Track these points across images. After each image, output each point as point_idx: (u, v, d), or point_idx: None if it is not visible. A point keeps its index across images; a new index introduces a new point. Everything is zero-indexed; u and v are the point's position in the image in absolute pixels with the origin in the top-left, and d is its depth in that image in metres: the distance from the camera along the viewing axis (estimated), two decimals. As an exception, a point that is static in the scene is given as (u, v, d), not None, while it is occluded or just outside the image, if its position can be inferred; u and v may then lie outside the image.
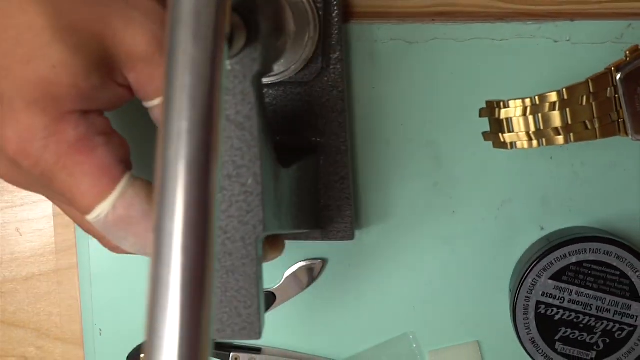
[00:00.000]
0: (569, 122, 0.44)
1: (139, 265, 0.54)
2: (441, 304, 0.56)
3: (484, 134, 0.47)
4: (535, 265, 0.53)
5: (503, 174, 0.54)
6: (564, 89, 0.43)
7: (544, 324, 0.54)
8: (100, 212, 0.39)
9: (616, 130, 0.44)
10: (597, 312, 0.53)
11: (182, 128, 0.28)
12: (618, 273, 0.53)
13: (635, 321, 0.53)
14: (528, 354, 0.54)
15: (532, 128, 0.44)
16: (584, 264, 0.53)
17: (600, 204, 0.55)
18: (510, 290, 0.55)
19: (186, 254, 0.27)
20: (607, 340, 0.54)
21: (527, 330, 0.54)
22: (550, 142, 0.44)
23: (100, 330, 0.56)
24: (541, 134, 0.44)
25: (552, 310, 0.54)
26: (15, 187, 0.52)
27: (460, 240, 0.55)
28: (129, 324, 0.56)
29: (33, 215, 0.55)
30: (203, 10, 0.30)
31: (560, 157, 0.53)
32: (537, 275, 0.53)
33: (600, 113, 0.44)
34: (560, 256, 0.53)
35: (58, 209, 0.53)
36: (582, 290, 0.53)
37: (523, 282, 0.53)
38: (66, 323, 0.57)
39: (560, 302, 0.53)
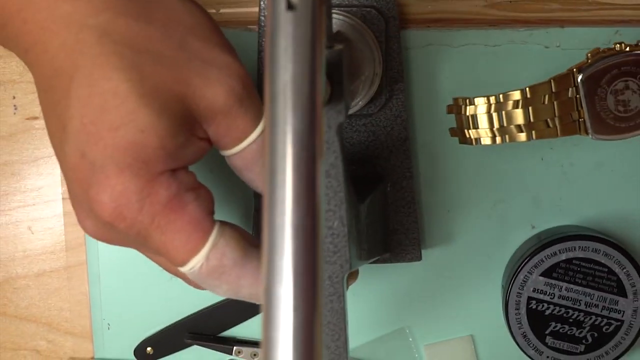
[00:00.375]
0: (531, 119, 0.44)
1: (145, 262, 0.55)
2: (436, 299, 0.56)
3: (450, 129, 0.47)
4: (526, 263, 0.53)
5: (496, 174, 0.54)
6: (527, 88, 0.44)
7: (535, 319, 0.54)
8: (194, 264, 0.40)
9: (577, 129, 0.45)
10: (586, 308, 0.54)
11: (287, 197, 0.29)
12: (606, 270, 0.53)
13: (622, 316, 0.54)
14: (519, 347, 0.55)
15: (496, 125, 0.44)
16: (574, 261, 0.53)
17: (588, 204, 0.55)
18: (502, 286, 0.56)
19: (297, 321, 0.28)
20: (595, 334, 0.54)
21: (518, 325, 0.54)
22: (512, 139, 0.44)
23: (109, 324, 0.56)
24: (504, 130, 0.44)
25: (543, 306, 0.54)
26: (27, 188, 0.54)
27: (455, 238, 0.56)
28: (135, 319, 0.56)
29: (44, 215, 0.56)
30: (300, 81, 0.31)
31: (550, 158, 0.54)
32: (528, 272, 0.53)
33: (561, 112, 0.44)
34: (551, 254, 0.53)
35: (68, 208, 0.54)
36: (572, 286, 0.54)
37: (515, 278, 0.54)
38: (76, 318, 0.57)
39: (550, 298, 0.54)
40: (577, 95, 0.44)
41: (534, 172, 0.54)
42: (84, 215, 0.41)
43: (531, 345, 0.55)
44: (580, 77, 0.44)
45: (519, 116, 0.44)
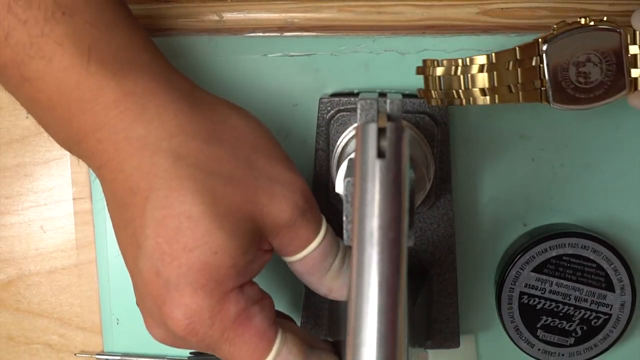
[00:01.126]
0: (495, 84, 0.44)
1: None
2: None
3: (419, 90, 0.47)
4: (518, 259, 0.54)
5: (489, 173, 0.55)
6: (493, 54, 0.44)
7: (526, 313, 0.55)
8: None
9: (538, 97, 0.44)
10: (576, 302, 0.54)
11: (372, 342, 0.32)
12: (594, 265, 0.54)
13: (610, 310, 0.54)
14: (512, 340, 0.55)
15: (462, 87, 0.44)
16: (564, 258, 0.54)
17: (578, 203, 0.55)
18: (495, 282, 0.56)
19: None
20: (585, 328, 0.55)
21: (511, 319, 0.55)
22: (475, 101, 0.44)
23: (118, 319, 0.57)
24: (468, 93, 0.44)
25: (534, 300, 0.54)
26: (39, 188, 0.54)
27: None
28: None
29: (56, 214, 0.56)
30: (387, 228, 0.33)
31: (541, 159, 0.54)
32: (520, 268, 0.54)
33: (524, 79, 0.44)
34: (542, 250, 0.54)
35: (78, 208, 0.55)
36: (562, 281, 0.54)
37: (507, 274, 0.54)
38: (86, 313, 0.57)
39: (541, 293, 0.54)
40: (541, 64, 0.44)
41: (525, 172, 0.55)
42: (154, 325, 0.42)
43: (523, 338, 0.55)
44: (544, 47, 0.43)
45: (483, 80, 0.44)
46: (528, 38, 0.46)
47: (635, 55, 0.44)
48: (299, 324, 0.56)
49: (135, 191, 0.39)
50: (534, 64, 0.44)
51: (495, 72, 0.44)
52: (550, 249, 0.54)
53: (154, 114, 0.40)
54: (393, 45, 0.53)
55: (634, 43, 0.44)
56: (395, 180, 0.34)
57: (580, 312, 0.55)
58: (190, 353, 0.58)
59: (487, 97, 0.44)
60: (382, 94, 0.39)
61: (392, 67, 0.53)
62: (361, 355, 0.33)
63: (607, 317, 0.55)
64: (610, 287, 0.54)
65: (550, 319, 0.55)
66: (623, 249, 0.55)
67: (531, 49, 0.44)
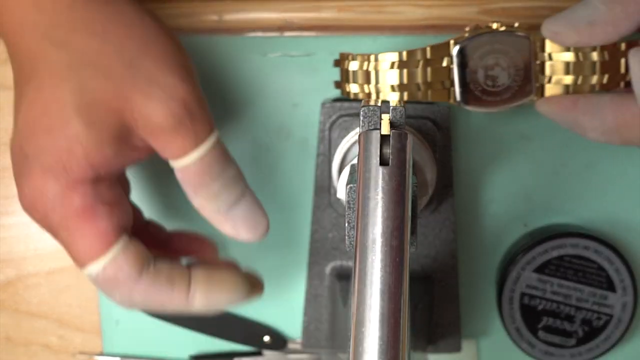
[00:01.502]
0: (405, 81, 0.44)
1: None
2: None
3: (335, 82, 0.48)
4: (519, 260, 0.54)
5: (489, 175, 0.55)
6: (405, 52, 0.44)
7: (527, 314, 0.55)
8: (91, 270, 0.42)
9: (447, 97, 0.45)
10: (577, 303, 0.54)
11: (374, 351, 0.33)
12: (596, 266, 0.54)
13: (612, 310, 0.54)
14: (513, 341, 0.55)
15: (372, 82, 0.45)
16: (565, 258, 0.54)
17: (579, 203, 0.55)
18: (496, 282, 0.56)
19: None
20: (586, 328, 0.55)
21: (511, 320, 0.55)
22: (410, 97, 0.45)
23: (117, 321, 0.57)
24: (378, 88, 0.45)
25: (535, 301, 0.54)
26: None
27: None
28: (143, 315, 0.56)
29: None
30: (389, 236, 0.34)
31: (542, 159, 0.54)
32: (521, 269, 0.54)
33: (433, 78, 0.45)
34: (543, 251, 0.54)
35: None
36: (563, 282, 0.54)
37: (508, 275, 0.54)
38: (85, 314, 0.57)
39: (542, 294, 0.54)
40: (451, 65, 0.45)
41: (526, 173, 0.54)
42: (18, 189, 0.43)
43: (524, 339, 0.55)
44: (455, 48, 0.44)
45: (393, 76, 0.44)
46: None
47: (543, 62, 0.45)
48: (300, 329, 0.56)
49: (23, 71, 0.42)
50: (445, 64, 0.44)
51: (405, 70, 0.44)
52: (552, 249, 0.54)
53: (49, 3, 0.41)
54: (393, 45, 0.53)
55: (543, 50, 0.45)
56: (398, 187, 0.34)
57: (581, 313, 0.55)
58: (191, 356, 0.57)
59: (397, 94, 0.44)
60: (385, 100, 0.39)
61: None
62: None
63: (608, 317, 0.55)
64: (611, 288, 0.54)
65: (551, 320, 0.55)
66: (624, 250, 0.55)
67: (443, 49, 0.45)
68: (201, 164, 0.43)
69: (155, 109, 0.41)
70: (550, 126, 0.53)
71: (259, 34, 0.53)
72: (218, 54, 0.53)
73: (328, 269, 0.54)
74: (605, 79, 0.45)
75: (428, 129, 0.51)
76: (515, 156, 0.54)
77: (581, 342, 0.55)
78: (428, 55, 0.44)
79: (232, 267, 0.48)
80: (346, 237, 0.40)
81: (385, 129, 0.35)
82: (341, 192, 0.46)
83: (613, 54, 0.45)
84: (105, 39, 0.42)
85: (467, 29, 0.45)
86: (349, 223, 0.39)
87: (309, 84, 0.53)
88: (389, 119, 0.37)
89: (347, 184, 0.40)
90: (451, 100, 0.45)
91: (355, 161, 0.46)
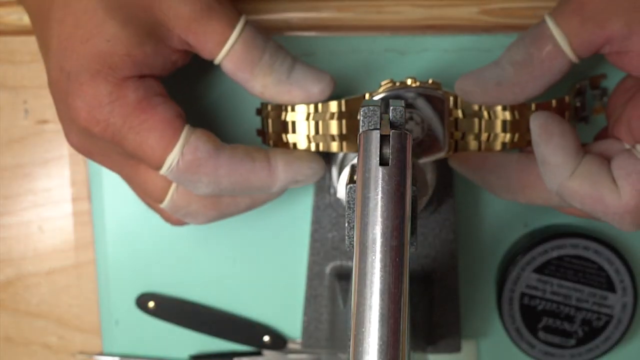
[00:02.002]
0: (344, 132, 0.46)
1: (152, 261, 0.55)
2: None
3: (257, 130, 0.49)
4: (519, 260, 0.54)
5: None
6: (343, 101, 0.46)
7: (527, 314, 0.55)
8: (171, 161, 0.42)
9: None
10: (577, 303, 0.54)
11: (373, 350, 0.33)
12: (595, 266, 0.54)
13: (612, 311, 0.54)
14: (513, 341, 0.55)
15: (312, 132, 0.46)
16: (565, 258, 0.54)
17: None
18: (496, 283, 0.56)
19: None
20: (586, 329, 0.55)
21: (511, 320, 0.55)
22: (325, 148, 0.46)
23: (117, 321, 0.57)
24: (319, 138, 0.46)
25: (535, 301, 0.54)
26: (37, 189, 0.54)
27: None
28: (143, 315, 0.56)
29: (54, 214, 0.56)
30: (389, 236, 0.34)
31: None
32: (521, 269, 0.54)
33: (348, 131, 0.46)
34: (543, 251, 0.54)
35: (77, 208, 0.55)
36: (563, 282, 0.54)
37: (508, 275, 0.54)
38: (85, 314, 0.57)
39: (542, 294, 0.54)
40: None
41: None
42: (67, 128, 0.44)
43: (524, 339, 0.55)
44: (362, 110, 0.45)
45: (333, 127, 0.46)
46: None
47: (456, 119, 0.46)
48: (300, 329, 0.56)
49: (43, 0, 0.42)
50: (359, 117, 0.45)
51: (344, 120, 0.45)
52: (552, 249, 0.54)
53: None
54: (393, 45, 0.53)
55: (456, 107, 0.46)
56: (397, 187, 0.34)
57: (581, 313, 0.55)
58: (191, 356, 0.57)
59: (336, 143, 0.46)
60: (385, 100, 0.39)
61: (392, 67, 0.53)
62: None
63: (608, 318, 0.55)
64: (611, 288, 0.54)
65: (551, 320, 0.55)
66: (624, 250, 0.55)
67: (357, 103, 0.46)
68: (245, 41, 0.44)
69: (181, 0, 0.42)
70: None
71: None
72: None
73: (328, 269, 0.54)
74: (515, 138, 0.46)
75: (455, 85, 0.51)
76: None
77: (581, 342, 0.55)
78: (343, 108, 0.46)
79: None
80: (346, 237, 0.40)
81: (385, 129, 0.35)
82: (341, 192, 0.46)
83: (523, 113, 0.46)
84: None
85: (382, 83, 0.46)
86: (349, 223, 0.39)
87: None
88: (389, 119, 0.37)
89: (347, 184, 0.40)
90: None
91: (355, 161, 0.46)
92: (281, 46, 0.46)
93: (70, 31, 0.41)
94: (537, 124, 0.44)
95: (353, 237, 0.37)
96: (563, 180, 0.43)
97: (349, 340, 0.34)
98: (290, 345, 0.57)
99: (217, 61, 0.45)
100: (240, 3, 0.51)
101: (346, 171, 0.46)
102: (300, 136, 0.46)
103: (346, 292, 0.52)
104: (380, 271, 0.33)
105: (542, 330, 0.55)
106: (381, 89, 0.46)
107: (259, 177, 0.45)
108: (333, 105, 0.46)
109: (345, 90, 0.53)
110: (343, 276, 0.53)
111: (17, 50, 0.53)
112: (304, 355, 0.57)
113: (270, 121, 0.47)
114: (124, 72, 0.42)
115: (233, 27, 0.44)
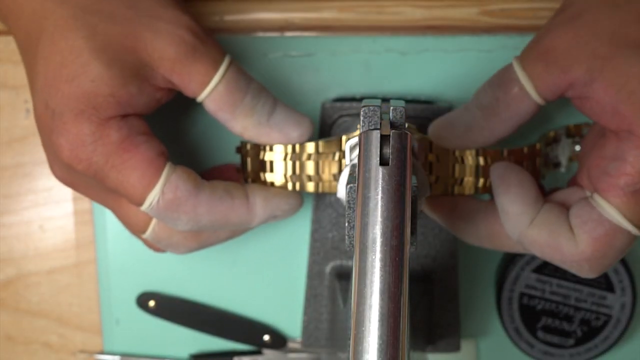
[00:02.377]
0: (320, 172, 0.46)
1: (153, 260, 0.55)
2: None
3: (236, 168, 0.50)
4: (518, 260, 0.54)
5: None
6: (320, 142, 0.46)
7: (526, 314, 0.55)
8: (152, 199, 0.43)
9: (335, 189, 0.47)
10: (576, 303, 0.54)
11: (372, 349, 0.33)
12: None
13: (610, 311, 0.54)
14: (512, 341, 0.55)
15: (290, 172, 0.47)
16: None
17: None
18: (495, 282, 0.56)
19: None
20: (585, 329, 0.55)
21: (511, 320, 0.55)
22: (302, 188, 0.47)
23: (117, 320, 0.57)
24: (296, 178, 0.47)
25: (534, 301, 0.54)
26: (38, 188, 0.54)
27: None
28: (143, 314, 0.56)
29: (55, 214, 0.56)
30: (389, 236, 0.34)
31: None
32: (520, 269, 0.54)
33: (325, 171, 0.47)
34: None
35: (78, 208, 0.55)
36: (562, 282, 0.54)
37: (507, 275, 0.54)
38: (85, 313, 0.57)
39: (541, 294, 0.54)
40: (343, 159, 0.47)
41: None
42: (51, 160, 0.45)
43: (523, 339, 0.55)
44: (347, 145, 0.45)
45: (310, 167, 0.47)
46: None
47: (431, 163, 0.46)
48: (300, 328, 0.56)
49: (31, 35, 0.43)
50: (335, 158, 0.47)
51: (298, 162, 0.47)
52: (551, 249, 0.53)
53: None
54: (394, 45, 0.53)
55: (430, 151, 0.46)
56: (398, 187, 0.34)
57: (580, 313, 0.55)
58: (191, 355, 0.57)
59: (313, 184, 0.47)
60: (385, 100, 0.39)
61: (392, 67, 0.53)
62: None
63: (607, 318, 0.55)
64: (610, 288, 0.54)
65: (550, 320, 0.55)
66: None
67: (334, 145, 0.46)
68: (227, 83, 0.45)
69: (166, 40, 0.43)
70: (549, 124, 0.53)
71: (260, 34, 0.53)
72: None
73: (328, 269, 0.54)
74: (487, 183, 0.47)
75: (427, 127, 0.51)
76: None
77: (580, 342, 0.55)
78: (320, 150, 0.46)
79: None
80: (346, 236, 0.40)
81: (386, 129, 0.35)
82: (341, 192, 0.46)
83: (494, 159, 0.46)
84: None
85: (358, 126, 0.46)
86: (349, 223, 0.39)
87: (309, 84, 0.53)
88: (389, 119, 0.37)
89: (347, 184, 0.40)
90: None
91: (355, 161, 0.46)
92: (263, 88, 0.46)
93: (55, 69, 0.42)
94: (496, 174, 0.45)
95: (353, 237, 0.37)
96: (522, 229, 0.44)
97: (349, 339, 0.34)
98: (290, 345, 0.57)
99: (199, 100, 0.45)
100: (242, 3, 0.51)
101: (346, 171, 0.46)
102: (278, 175, 0.47)
103: (346, 292, 0.52)
104: (380, 271, 0.33)
105: (541, 330, 0.55)
106: (358, 132, 0.46)
107: (238, 214, 0.45)
108: (310, 147, 0.46)
109: (345, 91, 0.53)
110: (343, 276, 0.53)
111: (18, 50, 0.52)
112: (304, 355, 0.57)
113: (249, 160, 0.48)
114: (108, 112, 0.42)
115: (216, 69, 0.44)
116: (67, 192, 0.55)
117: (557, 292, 0.54)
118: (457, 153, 0.46)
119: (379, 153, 0.34)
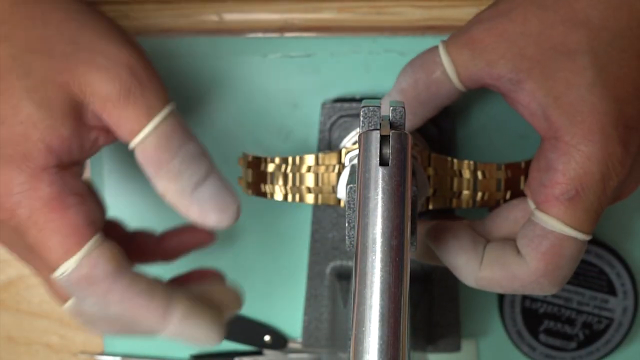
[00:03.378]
0: (320, 184, 0.45)
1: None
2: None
3: (240, 179, 0.48)
4: (520, 262, 0.54)
5: None
6: (320, 155, 0.45)
7: (529, 317, 0.54)
8: (65, 269, 0.39)
9: (336, 202, 0.46)
10: (578, 306, 0.54)
11: (373, 349, 0.33)
12: (597, 270, 0.53)
13: (612, 314, 0.54)
14: (514, 344, 0.55)
15: (290, 184, 0.46)
16: None
17: None
18: (497, 284, 0.56)
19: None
20: (587, 332, 0.54)
21: (513, 322, 0.54)
22: (301, 199, 0.46)
23: None
24: (295, 189, 0.46)
25: (537, 304, 0.54)
26: None
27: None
28: None
29: None
30: (389, 236, 0.34)
31: None
32: (522, 271, 0.54)
33: (323, 183, 0.46)
34: None
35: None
36: (565, 285, 0.53)
37: (508, 277, 0.54)
38: None
39: (544, 297, 0.54)
40: (340, 173, 0.46)
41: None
42: None
43: (525, 341, 0.55)
44: (347, 157, 0.45)
45: (309, 179, 0.46)
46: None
47: (428, 176, 0.46)
48: (300, 329, 0.55)
49: None
50: (335, 171, 0.46)
51: (297, 174, 0.46)
52: (553, 252, 0.53)
53: None
54: (393, 45, 0.52)
55: (429, 165, 0.46)
56: (397, 187, 0.34)
57: (582, 317, 0.54)
58: (192, 356, 0.57)
59: (312, 195, 0.46)
60: (384, 100, 0.39)
61: (392, 67, 0.52)
62: None
63: (609, 321, 0.54)
64: (612, 292, 0.54)
65: (552, 323, 0.55)
66: (626, 254, 0.55)
67: (333, 158, 0.46)
68: (158, 137, 0.41)
69: (100, 76, 0.40)
70: None
71: (260, 34, 0.52)
72: (218, 55, 0.52)
73: (328, 269, 0.54)
74: (485, 196, 0.46)
75: (428, 129, 0.51)
76: (514, 156, 0.53)
77: (582, 345, 0.55)
78: (319, 162, 0.46)
79: (215, 301, 0.45)
80: (346, 237, 0.39)
81: (386, 130, 0.35)
82: (341, 192, 0.45)
83: (491, 173, 0.46)
84: (46, 26, 0.41)
85: (356, 139, 0.47)
86: (349, 223, 0.39)
87: (309, 85, 0.53)
88: (389, 119, 0.37)
89: (348, 184, 0.39)
90: (341, 205, 0.46)
91: (355, 161, 0.46)
92: (201, 153, 0.42)
93: None
94: (431, 237, 0.44)
95: (353, 237, 0.37)
96: (475, 274, 0.43)
97: (350, 339, 0.34)
98: (291, 345, 0.57)
99: (130, 147, 0.41)
100: (242, 3, 0.51)
101: (346, 171, 0.46)
102: (276, 187, 0.46)
103: (347, 292, 0.52)
104: (381, 271, 0.33)
105: (543, 333, 0.55)
106: (357, 146, 0.46)
107: (149, 318, 0.41)
108: (309, 159, 0.46)
109: (345, 91, 0.53)
110: (343, 276, 0.53)
111: None
112: (304, 355, 0.57)
113: (250, 171, 0.47)
114: (39, 160, 0.39)
115: (149, 118, 0.40)
116: (66, 194, 0.55)
117: (560, 295, 0.54)
118: (455, 166, 0.46)
119: (378, 153, 0.34)
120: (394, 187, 0.34)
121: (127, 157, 0.53)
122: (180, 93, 0.50)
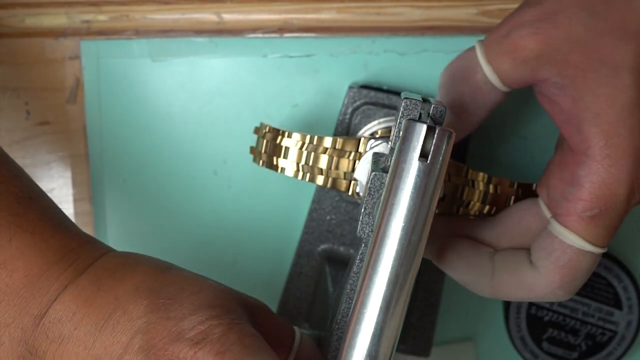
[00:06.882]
0: (332, 167, 0.44)
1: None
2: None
3: (250, 147, 0.48)
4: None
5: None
6: (339, 139, 0.44)
7: (533, 324, 0.53)
8: None
9: (346, 188, 0.45)
10: (583, 317, 0.52)
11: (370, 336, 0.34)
12: (604, 282, 0.52)
13: (616, 327, 0.52)
14: (516, 350, 0.53)
15: (303, 162, 0.44)
16: None
17: None
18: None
19: None
20: (590, 343, 0.53)
21: (517, 329, 0.53)
22: (312, 179, 0.45)
23: None
24: (307, 168, 0.45)
25: (542, 312, 0.53)
26: None
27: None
28: None
29: None
30: (410, 231, 0.34)
31: (542, 159, 0.50)
32: (527, 278, 0.52)
33: (337, 168, 0.45)
34: None
35: (79, 209, 0.54)
36: (571, 295, 0.52)
37: (512, 284, 0.52)
38: None
39: (550, 305, 0.53)
40: (357, 160, 0.45)
41: (527, 174, 0.52)
42: None
43: (528, 348, 0.53)
44: (369, 144, 0.44)
45: (323, 161, 0.44)
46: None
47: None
48: (276, 305, 0.53)
49: None
50: (351, 157, 0.45)
51: (313, 153, 0.45)
52: (560, 261, 0.51)
53: None
54: (392, 46, 0.51)
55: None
56: (431, 184, 0.33)
57: (586, 327, 0.53)
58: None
59: (323, 177, 0.45)
60: (425, 98, 0.39)
61: (391, 67, 0.51)
62: (357, 345, 0.34)
63: (612, 334, 0.53)
64: (618, 305, 0.52)
65: (556, 332, 0.53)
66: (634, 268, 0.53)
67: (351, 144, 0.45)
68: None
69: None
70: (550, 127, 0.50)
71: (259, 35, 0.51)
72: (218, 55, 0.52)
73: (319, 250, 0.52)
74: (492, 210, 0.45)
75: None
76: (515, 156, 0.52)
77: (583, 356, 0.53)
78: (337, 146, 0.45)
79: None
80: (359, 222, 0.38)
81: (431, 124, 0.34)
82: (361, 176, 0.44)
83: (503, 189, 0.45)
84: None
85: (379, 130, 0.47)
86: (364, 209, 0.38)
87: (309, 85, 0.52)
88: (429, 115, 0.36)
89: (372, 171, 0.38)
90: (349, 193, 0.45)
91: (377, 149, 0.44)
92: None
93: None
94: (438, 260, 0.43)
95: (366, 224, 0.37)
96: (488, 287, 0.42)
97: (339, 317, 0.35)
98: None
99: None
100: (241, 4, 0.51)
101: (367, 157, 0.44)
102: (290, 163, 0.45)
103: (336, 276, 0.51)
104: (393, 262, 0.33)
105: (547, 341, 0.53)
106: (379, 135, 0.46)
107: None
108: (327, 141, 0.44)
109: (344, 91, 0.51)
110: (333, 260, 0.51)
111: (19, 52, 0.52)
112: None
113: (265, 142, 0.46)
114: None
115: None
116: (68, 194, 0.55)
117: (565, 305, 0.52)
118: (469, 175, 0.44)
119: (420, 146, 0.33)
120: (428, 183, 0.33)
121: (128, 189, 0.53)
122: (180, 93, 0.49)
